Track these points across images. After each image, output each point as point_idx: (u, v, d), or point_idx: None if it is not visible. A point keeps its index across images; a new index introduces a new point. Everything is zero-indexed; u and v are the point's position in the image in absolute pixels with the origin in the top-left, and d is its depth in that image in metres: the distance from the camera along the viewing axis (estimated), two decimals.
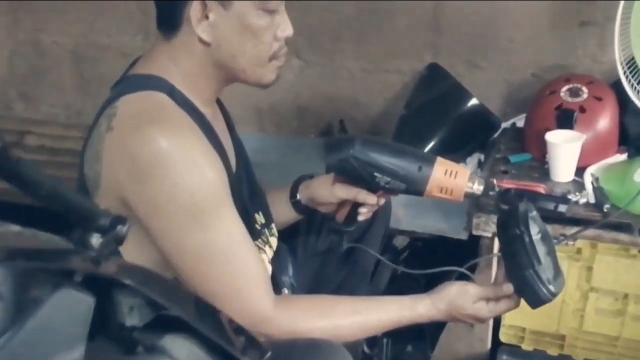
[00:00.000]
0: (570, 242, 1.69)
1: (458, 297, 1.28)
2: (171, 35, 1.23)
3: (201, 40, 1.20)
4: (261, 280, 1.23)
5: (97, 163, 1.19)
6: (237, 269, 1.20)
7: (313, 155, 2.35)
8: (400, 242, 2.29)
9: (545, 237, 1.29)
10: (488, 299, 1.28)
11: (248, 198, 1.40)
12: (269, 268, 1.43)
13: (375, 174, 1.35)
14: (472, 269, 1.81)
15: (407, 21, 2.33)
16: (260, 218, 1.43)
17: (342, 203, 1.47)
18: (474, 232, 1.76)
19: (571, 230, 1.66)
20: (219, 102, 1.42)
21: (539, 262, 1.20)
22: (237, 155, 1.41)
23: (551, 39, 2.21)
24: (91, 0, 2.54)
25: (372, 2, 2.32)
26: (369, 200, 1.41)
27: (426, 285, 2.20)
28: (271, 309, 1.22)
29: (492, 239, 1.74)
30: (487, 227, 1.74)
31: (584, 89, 1.90)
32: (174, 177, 1.13)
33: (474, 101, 2.14)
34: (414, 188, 1.36)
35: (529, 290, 1.22)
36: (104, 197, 1.19)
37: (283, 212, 1.54)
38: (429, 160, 1.36)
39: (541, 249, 1.24)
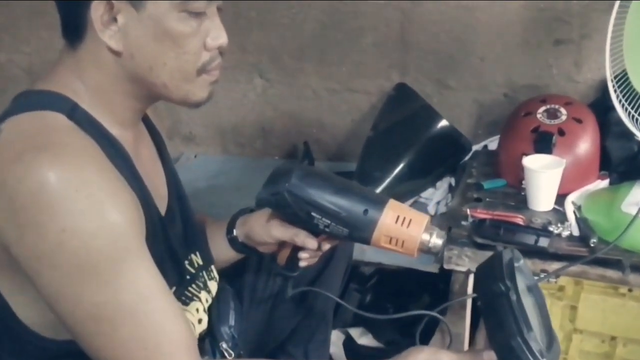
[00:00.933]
0: (553, 280, 1.37)
1: None
2: (76, 44, 0.91)
3: (110, 49, 0.88)
4: (183, 345, 0.89)
5: None
6: (149, 331, 0.86)
7: None
8: (367, 269, 1.97)
9: (535, 292, 0.97)
10: None
11: (182, 238, 1.07)
12: (204, 318, 1.10)
13: (314, 214, 1.03)
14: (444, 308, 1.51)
15: (373, 39, 2.01)
16: (197, 259, 1.11)
17: (282, 244, 1.15)
18: (446, 267, 1.44)
19: (553, 265, 1.35)
20: (148, 124, 1.09)
21: (529, 328, 0.86)
22: (169, 187, 1.08)
23: (524, 58, 1.91)
24: (46, 16, 2.20)
25: (336, 20, 2.00)
26: (309, 245, 1.10)
27: (395, 313, 1.92)
28: None
29: (466, 274, 1.43)
30: (459, 260, 1.42)
31: (562, 110, 1.60)
32: (62, 221, 0.80)
33: (443, 122, 1.84)
34: (358, 235, 1.03)
35: None
36: None
37: (220, 249, 1.21)
38: (379, 202, 1.03)
39: (531, 310, 0.91)
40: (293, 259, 1.14)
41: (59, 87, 0.90)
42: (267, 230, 1.14)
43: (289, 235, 1.12)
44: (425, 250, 1.03)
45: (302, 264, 1.14)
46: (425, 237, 1.02)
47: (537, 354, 0.85)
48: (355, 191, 1.05)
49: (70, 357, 0.91)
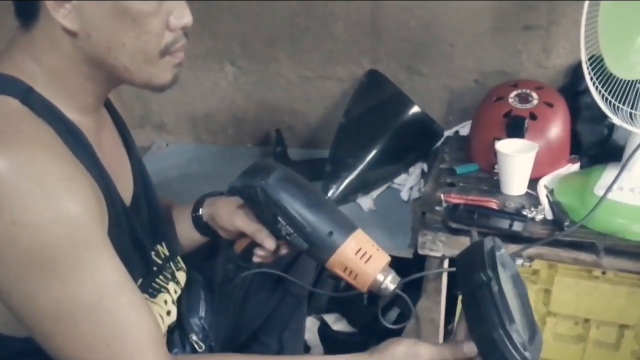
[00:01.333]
0: (527, 263, 1.31)
1: None
2: (29, 24, 0.81)
3: (65, 29, 0.79)
4: (148, 341, 0.80)
5: None
6: (112, 328, 0.78)
7: None
8: None
9: (517, 282, 0.90)
10: None
11: (148, 228, 0.98)
12: (173, 310, 1.02)
13: (280, 219, 0.97)
14: (418, 295, 1.44)
15: (344, 26, 1.92)
16: (163, 250, 1.02)
17: (242, 237, 1.08)
18: (420, 252, 1.37)
19: (528, 250, 1.29)
20: (111, 111, 0.99)
21: (512, 320, 0.80)
22: (135, 176, 0.99)
23: (493, 44, 1.83)
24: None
25: (307, 7, 1.91)
26: (267, 244, 1.03)
27: (369, 299, 1.86)
28: None
29: (440, 259, 1.36)
30: (434, 246, 1.36)
31: (534, 95, 1.53)
32: (12, 212, 0.71)
33: (415, 109, 1.77)
34: (317, 253, 0.97)
35: (498, 357, 0.80)
36: None
37: (185, 230, 1.13)
38: (346, 229, 0.97)
39: (513, 301, 0.84)
40: (249, 252, 1.06)
41: (12, 70, 0.81)
42: (231, 218, 1.07)
43: (251, 229, 1.04)
44: (376, 290, 0.97)
45: (256, 259, 1.06)
46: (380, 277, 0.95)
47: (520, 346, 0.79)
48: (326, 210, 0.98)
49: (31, 355, 0.83)
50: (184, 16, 0.84)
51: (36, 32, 0.81)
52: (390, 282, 0.96)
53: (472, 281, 0.84)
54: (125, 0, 0.78)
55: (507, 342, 0.79)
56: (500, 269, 0.84)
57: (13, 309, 0.76)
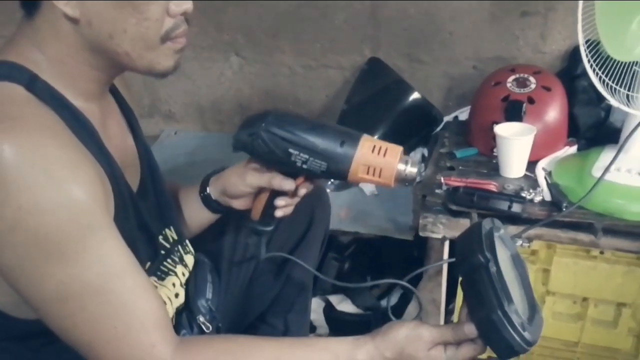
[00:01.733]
0: (526, 244, 1.29)
1: (409, 343, 0.84)
2: (32, 13, 0.79)
3: (67, 17, 0.76)
4: (154, 323, 0.78)
5: None
6: (118, 310, 0.76)
7: None
8: (345, 238, 1.88)
9: (517, 262, 0.87)
10: (447, 344, 0.84)
11: (156, 212, 0.96)
12: (181, 293, 1.00)
13: (291, 150, 0.94)
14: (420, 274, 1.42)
15: (345, 16, 1.89)
16: (171, 234, 1.00)
17: (257, 198, 1.04)
18: (421, 234, 1.35)
19: (527, 231, 1.26)
20: (117, 98, 0.97)
21: (510, 301, 0.77)
22: (142, 161, 0.96)
23: (491, 31, 1.80)
24: None
25: None
26: (286, 186, 0.99)
27: (373, 280, 1.83)
28: (168, 358, 0.78)
29: (441, 240, 1.34)
30: (435, 228, 1.33)
31: (532, 79, 1.50)
32: (18, 198, 0.69)
33: (415, 95, 1.74)
34: (336, 167, 0.94)
35: (498, 338, 0.77)
36: None
37: (194, 211, 1.10)
38: (354, 135, 0.95)
39: (512, 282, 0.81)
40: (268, 210, 1.03)
41: (17, 58, 0.79)
42: (243, 178, 1.03)
43: (265, 179, 1.00)
44: (402, 178, 0.94)
45: (278, 213, 1.02)
46: (401, 166, 0.94)
47: (519, 327, 0.76)
48: (330, 126, 0.96)
49: (41, 336, 0.81)
50: (184, 2, 0.81)
51: (39, 20, 0.79)
52: (411, 167, 0.94)
53: (470, 263, 0.81)
54: None
55: (506, 323, 0.76)
56: (499, 249, 0.81)
57: (21, 292, 0.75)
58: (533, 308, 0.83)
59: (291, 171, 0.98)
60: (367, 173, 0.94)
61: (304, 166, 0.95)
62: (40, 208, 0.70)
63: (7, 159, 0.68)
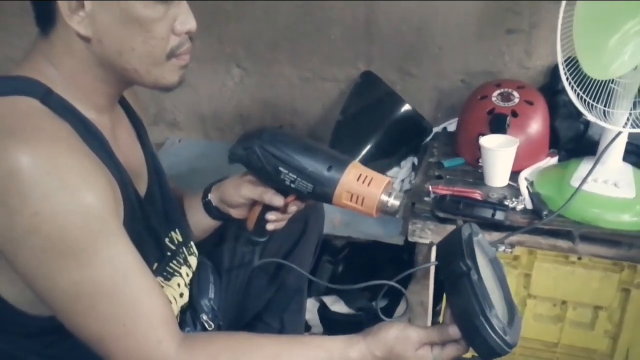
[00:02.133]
0: (508, 250, 1.32)
1: (398, 343, 0.87)
2: (47, 31, 0.81)
3: (79, 35, 0.79)
4: (160, 320, 0.81)
5: None
6: (127, 309, 0.78)
7: None
8: (338, 242, 1.90)
9: (495, 265, 0.90)
10: (433, 344, 0.88)
11: (162, 216, 0.99)
12: (186, 292, 1.03)
13: (281, 168, 0.96)
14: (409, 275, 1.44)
15: (341, 31, 1.92)
16: (176, 236, 1.02)
17: (252, 210, 1.07)
18: (410, 239, 1.38)
19: (509, 238, 1.29)
20: (126, 108, 1.00)
21: (491, 306, 0.80)
22: (149, 169, 0.99)
23: (479, 47, 1.83)
24: None
25: (307, 13, 1.91)
26: (275, 202, 1.01)
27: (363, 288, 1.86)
28: (174, 354, 0.81)
29: (429, 245, 1.36)
30: (423, 233, 1.36)
31: (515, 94, 1.53)
32: (34, 204, 0.71)
33: (406, 107, 1.77)
34: (322, 190, 0.95)
35: (481, 342, 0.81)
36: None
37: (197, 217, 1.13)
38: (342, 161, 0.96)
39: (492, 286, 0.83)
40: (261, 222, 1.05)
41: (32, 73, 0.81)
42: (238, 190, 1.06)
43: (257, 193, 1.03)
44: (384, 209, 0.95)
45: (270, 226, 1.05)
46: (385, 197, 0.95)
47: (500, 331, 0.79)
48: (321, 150, 0.98)
49: (54, 333, 0.84)
50: (188, 22, 0.84)
51: (54, 37, 0.81)
52: (394, 199, 0.95)
53: (452, 271, 0.83)
54: (133, 8, 0.78)
55: (488, 328, 0.79)
56: (478, 254, 0.84)
57: (37, 291, 0.77)
58: (512, 310, 0.86)
59: (281, 188, 1.00)
60: (350, 200, 0.94)
61: (292, 185, 0.97)
62: (55, 214, 0.72)
63: (24, 168, 0.70)
